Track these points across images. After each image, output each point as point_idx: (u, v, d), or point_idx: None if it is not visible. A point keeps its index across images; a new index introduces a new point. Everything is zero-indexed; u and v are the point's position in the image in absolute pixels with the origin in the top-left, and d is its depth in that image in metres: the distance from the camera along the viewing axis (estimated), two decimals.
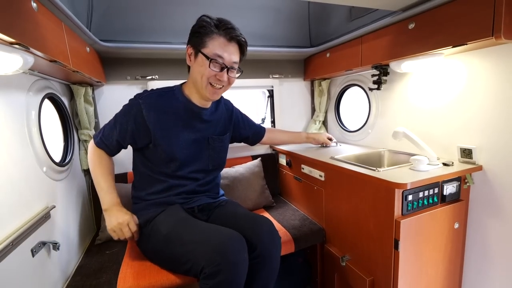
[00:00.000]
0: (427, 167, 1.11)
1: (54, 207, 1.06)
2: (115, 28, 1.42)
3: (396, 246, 1.03)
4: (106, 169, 1.13)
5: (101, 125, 1.57)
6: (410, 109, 1.44)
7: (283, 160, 1.86)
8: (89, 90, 1.45)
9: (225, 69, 1.04)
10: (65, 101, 1.36)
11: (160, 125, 1.09)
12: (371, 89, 1.58)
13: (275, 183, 1.93)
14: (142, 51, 1.48)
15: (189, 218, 1.09)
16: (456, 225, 1.16)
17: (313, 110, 2.14)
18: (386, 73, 1.48)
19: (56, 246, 1.01)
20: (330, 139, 1.73)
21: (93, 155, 1.14)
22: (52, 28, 0.87)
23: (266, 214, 1.60)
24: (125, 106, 1.11)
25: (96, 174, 1.12)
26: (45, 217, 0.98)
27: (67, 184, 1.26)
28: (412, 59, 1.20)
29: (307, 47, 1.84)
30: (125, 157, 1.37)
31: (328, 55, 1.71)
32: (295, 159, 1.70)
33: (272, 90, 1.98)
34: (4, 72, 0.77)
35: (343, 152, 1.54)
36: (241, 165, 1.76)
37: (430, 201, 1.09)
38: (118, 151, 1.17)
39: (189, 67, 1.11)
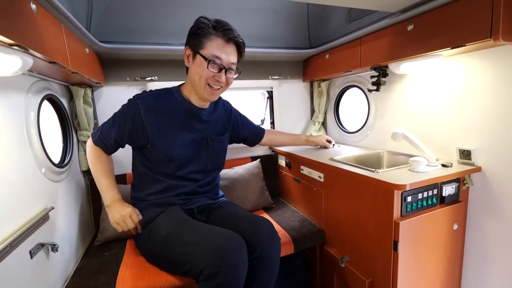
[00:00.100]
0: (426, 168, 1.11)
1: (53, 208, 1.06)
2: (114, 29, 1.42)
3: (396, 248, 1.03)
4: (105, 167, 1.16)
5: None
6: (409, 111, 1.44)
7: (282, 161, 1.86)
8: (88, 91, 1.45)
9: (223, 70, 1.05)
10: (64, 102, 1.36)
11: (157, 125, 1.09)
12: (370, 90, 1.58)
13: (275, 184, 1.93)
14: (141, 52, 1.48)
15: (188, 219, 1.09)
16: (455, 226, 1.16)
17: (312, 111, 2.14)
18: (385, 75, 1.48)
19: (54, 247, 1.01)
20: (329, 141, 1.73)
21: (91, 153, 1.16)
22: (51, 30, 0.87)
23: (266, 215, 1.60)
24: (123, 106, 1.12)
25: (97, 172, 1.15)
26: (43, 218, 0.98)
27: (66, 186, 1.26)
28: (411, 61, 1.20)
29: (306, 48, 1.84)
30: (124, 158, 1.37)
31: (327, 56, 1.71)
32: (294, 160, 1.70)
33: (272, 91, 1.98)
34: (3, 74, 0.77)
35: (342, 153, 1.54)
36: (240, 166, 1.75)
37: (429, 202, 1.09)
38: (116, 149, 1.19)
39: (187, 68, 1.11)
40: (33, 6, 0.75)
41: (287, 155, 1.76)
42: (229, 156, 1.82)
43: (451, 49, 1.02)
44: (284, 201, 1.84)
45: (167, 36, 1.52)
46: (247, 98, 2.17)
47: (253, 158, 1.86)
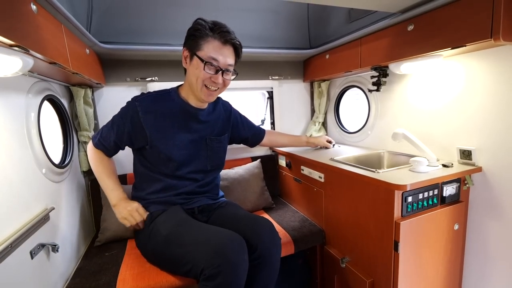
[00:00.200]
0: (427, 168, 1.11)
1: (54, 209, 1.06)
2: (114, 29, 1.43)
3: (396, 248, 1.03)
4: (108, 168, 1.19)
5: (101, 126, 1.57)
6: (410, 111, 1.44)
7: (282, 162, 1.86)
8: (89, 91, 1.45)
9: (220, 72, 1.05)
10: (65, 102, 1.36)
11: (156, 127, 1.11)
12: (370, 91, 1.58)
13: (275, 184, 1.93)
14: (141, 52, 1.49)
15: (189, 219, 1.09)
16: (456, 227, 1.16)
17: (313, 111, 2.14)
18: (385, 75, 1.48)
19: (55, 248, 1.01)
20: (330, 142, 1.73)
21: (93, 156, 1.18)
22: (52, 30, 0.87)
23: (266, 216, 1.60)
24: (122, 109, 1.13)
25: (100, 174, 1.17)
26: (44, 219, 0.98)
27: (66, 186, 1.26)
28: (411, 61, 1.20)
29: (306, 49, 1.84)
30: (125, 159, 1.37)
31: (327, 56, 1.71)
32: (294, 161, 1.70)
33: (272, 92, 1.98)
34: (4, 74, 0.77)
35: (342, 154, 1.54)
36: (240, 166, 1.75)
37: (430, 202, 1.09)
38: (116, 152, 1.20)
39: (185, 69, 1.12)
40: (34, 7, 0.75)
41: (288, 155, 1.76)
42: (229, 156, 1.82)
43: (451, 49, 1.01)
44: (285, 202, 1.84)
45: (167, 37, 1.52)
46: (247, 99, 2.17)
47: (254, 159, 1.86)
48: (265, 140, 1.55)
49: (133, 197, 1.24)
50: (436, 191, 1.10)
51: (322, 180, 1.42)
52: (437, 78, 1.28)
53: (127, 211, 1.12)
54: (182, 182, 1.19)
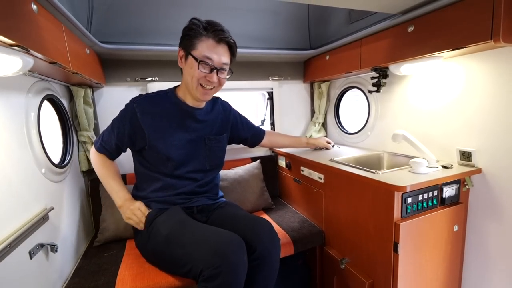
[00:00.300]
0: (427, 169, 1.11)
1: (53, 208, 1.05)
2: (115, 30, 1.42)
3: (396, 249, 1.03)
4: (111, 170, 1.20)
5: (101, 126, 1.57)
6: (410, 112, 1.44)
7: (282, 162, 1.86)
8: (89, 91, 1.45)
9: (215, 71, 1.06)
10: (65, 102, 1.36)
11: (154, 127, 1.11)
12: (370, 92, 1.58)
13: (275, 185, 1.93)
14: (141, 52, 1.49)
15: (189, 219, 1.09)
16: (456, 228, 1.16)
17: (313, 112, 2.14)
18: (385, 76, 1.48)
19: (54, 248, 1.01)
20: (329, 143, 1.73)
21: (96, 160, 1.20)
22: (52, 30, 0.87)
23: (266, 216, 1.60)
24: (121, 111, 1.14)
25: (104, 177, 1.19)
26: (43, 218, 0.97)
27: (66, 186, 1.26)
28: (411, 62, 1.20)
29: (306, 49, 1.84)
30: (124, 159, 1.37)
31: (327, 57, 1.72)
32: (294, 161, 1.70)
33: (272, 92, 1.98)
34: (4, 74, 0.77)
35: (342, 154, 1.54)
36: (240, 167, 1.75)
37: (430, 203, 1.09)
38: (118, 154, 1.22)
39: (181, 69, 1.12)
40: (34, 7, 0.75)
41: (287, 156, 1.76)
42: (229, 157, 1.83)
43: (451, 50, 1.01)
44: (284, 202, 1.84)
45: (167, 37, 1.52)
46: (247, 99, 2.17)
47: (253, 159, 1.86)
48: (265, 140, 1.55)
49: (134, 196, 1.24)
50: (435, 193, 1.10)
51: (322, 181, 1.42)
52: (437, 80, 1.29)
53: (130, 211, 1.13)
54: (181, 181, 1.19)
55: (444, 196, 1.11)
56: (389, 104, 1.57)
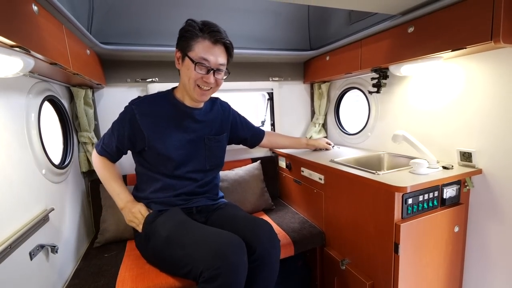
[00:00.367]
0: (427, 170, 1.11)
1: (53, 209, 1.05)
2: (115, 30, 1.43)
3: (396, 250, 1.03)
4: (113, 173, 1.21)
5: (101, 127, 1.57)
6: (410, 113, 1.44)
7: (282, 163, 1.86)
8: (89, 92, 1.45)
9: (212, 72, 1.06)
10: (65, 103, 1.36)
11: (153, 128, 1.12)
12: (370, 92, 1.58)
13: (275, 185, 1.93)
14: (142, 53, 1.49)
15: (189, 220, 1.09)
16: (456, 229, 1.16)
17: (313, 113, 2.14)
18: (385, 76, 1.48)
19: (54, 249, 1.01)
20: (329, 144, 1.73)
21: (98, 163, 1.21)
22: (53, 31, 0.87)
23: (266, 217, 1.60)
24: (120, 114, 1.15)
25: (106, 179, 1.20)
26: (43, 219, 0.97)
27: (66, 187, 1.26)
28: (412, 63, 1.20)
29: (306, 50, 1.84)
30: (125, 160, 1.37)
31: (327, 58, 1.72)
32: (294, 162, 1.70)
33: (272, 93, 1.98)
34: (5, 75, 0.77)
35: (342, 155, 1.54)
36: (240, 167, 1.75)
37: (430, 204, 1.09)
38: (119, 157, 1.23)
39: (179, 70, 1.13)
40: (35, 8, 0.75)
41: (288, 156, 1.76)
42: (229, 157, 1.83)
43: (451, 51, 1.01)
44: (285, 203, 1.84)
45: (168, 38, 1.52)
46: (247, 100, 2.18)
47: (254, 160, 1.86)
48: (265, 141, 1.55)
49: (134, 197, 1.24)
50: (436, 193, 1.10)
51: (322, 181, 1.42)
52: (437, 80, 1.29)
53: (131, 214, 1.13)
54: (181, 182, 1.19)
55: (444, 197, 1.11)
56: (389, 104, 1.57)
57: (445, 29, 1.00)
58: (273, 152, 1.99)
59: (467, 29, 0.94)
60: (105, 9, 1.37)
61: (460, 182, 1.15)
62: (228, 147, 1.38)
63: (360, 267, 1.23)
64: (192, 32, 1.02)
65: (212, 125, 1.26)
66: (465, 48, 0.97)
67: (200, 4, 1.54)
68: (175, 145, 1.15)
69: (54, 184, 1.13)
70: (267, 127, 2.07)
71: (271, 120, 2.05)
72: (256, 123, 1.63)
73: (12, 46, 0.66)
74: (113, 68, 1.56)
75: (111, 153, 1.19)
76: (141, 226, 1.12)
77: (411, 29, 1.13)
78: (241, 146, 1.54)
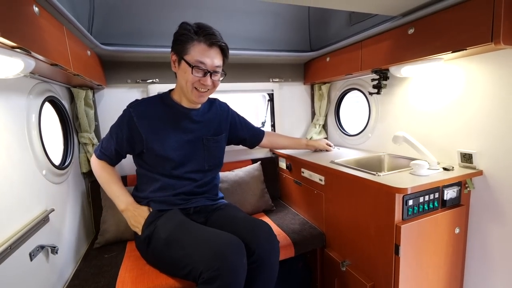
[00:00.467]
0: (428, 171, 1.11)
1: (53, 210, 1.05)
2: (116, 31, 1.43)
3: (397, 251, 1.03)
4: (112, 175, 1.22)
5: (101, 128, 1.57)
6: (410, 114, 1.44)
7: (283, 164, 1.85)
8: (90, 93, 1.45)
9: (208, 74, 1.07)
10: (66, 104, 1.36)
11: (151, 130, 1.13)
12: (371, 93, 1.58)
13: (275, 187, 1.93)
14: (142, 54, 1.49)
15: (188, 221, 1.09)
16: (457, 230, 1.15)
17: (313, 114, 2.14)
18: (386, 78, 1.48)
19: (54, 249, 1.01)
20: (329, 145, 1.73)
21: (97, 167, 1.22)
22: (54, 32, 0.87)
23: (266, 218, 1.60)
24: (118, 117, 1.16)
25: (106, 182, 1.20)
26: (44, 220, 0.97)
27: (66, 187, 1.26)
28: (412, 64, 1.20)
29: (307, 51, 1.85)
30: (125, 161, 1.37)
31: (328, 59, 1.72)
32: (295, 163, 1.70)
33: (272, 94, 1.98)
34: (5, 76, 0.77)
35: (343, 156, 1.54)
36: (240, 168, 1.75)
37: (431, 206, 1.09)
38: (118, 160, 1.24)
39: (175, 73, 1.14)
40: (36, 9, 0.75)
41: (288, 157, 1.76)
42: (229, 158, 1.83)
43: (452, 52, 1.01)
44: (285, 204, 1.84)
45: (168, 39, 1.49)
46: (248, 101, 2.18)
47: (254, 161, 1.86)
48: (265, 141, 1.56)
49: (134, 197, 1.25)
50: (437, 195, 1.10)
51: (323, 182, 1.42)
52: (438, 82, 1.29)
53: (133, 218, 1.14)
54: (180, 182, 1.19)
55: (445, 198, 1.11)
56: (390, 106, 1.57)
57: (446, 31, 1.00)
58: (273, 153, 1.99)
59: (467, 30, 0.94)
60: (105, 10, 1.37)
61: (460, 184, 1.15)
62: (228, 148, 1.38)
63: (360, 269, 1.22)
64: (187, 36, 1.03)
65: (210, 125, 1.26)
66: (466, 49, 0.97)
67: (200, 5, 1.54)
68: (173, 146, 1.16)
69: (54, 184, 1.14)
70: (267, 128, 2.07)
71: (271, 121, 2.05)
72: (256, 124, 1.63)
73: (13, 47, 0.66)
74: (114, 69, 1.56)
75: (110, 157, 1.19)
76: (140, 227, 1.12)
77: (411, 31, 1.13)
78: (241, 147, 1.54)
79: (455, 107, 1.22)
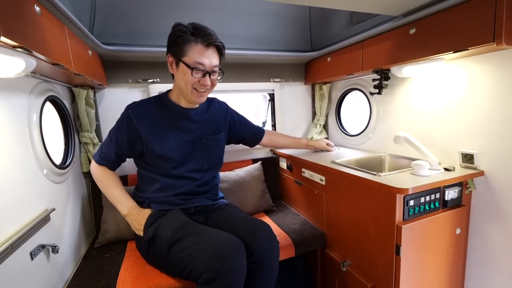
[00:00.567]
0: (429, 172, 1.11)
1: (54, 209, 1.05)
2: (117, 31, 1.43)
3: (398, 252, 1.02)
4: (114, 181, 1.22)
5: (102, 127, 1.57)
6: (411, 114, 1.44)
7: (283, 164, 1.85)
8: (91, 93, 1.45)
9: (207, 74, 1.07)
10: (67, 103, 1.37)
11: (150, 130, 1.13)
12: (372, 94, 1.58)
13: (276, 186, 1.93)
14: (143, 54, 1.49)
15: (189, 222, 1.09)
16: (458, 231, 1.15)
17: (314, 114, 2.14)
18: (387, 78, 1.48)
19: (55, 249, 1.01)
20: (329, 145, 1.72)
21: (97, 172, 1.22)
22: (55, 32, 0.87)
23: (267, 218, 1.60)
24: (117, 120, 1.17)
25: (107, 187, 1.20)
26: (44, 219, 0.97)
27: (67, 187, 1.26)
28: (413, 64, 1.20)
29: (308, 51, 1.84)
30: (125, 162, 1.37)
31: (329, 59, 1.72)
32: (295, 163, 1.70)
33: (273, 94, 1.98)
34: (7, 75, 0.77)
35: (344, 156, 1.54)
36: (241, 168, 1.75)
37: (432, 206, 1.09)
38: (119, 164, 1.24)
39: (172, 74, 1.14)
40: (37, 9, 0.76)
41: (289, 157, 1.76)
42: (230, 158, 1.83)
43: (453, 53, 1.01)
44: (285, 204, 1.84)
45: None
46: (248, 101, 2.18)
47: (254, 161, 1.86)
48: (265, 140, 1.56)
49: (135, 197, 1.25)
50: (438, 195, 1.09)
51: (323, 182, 1.42)
52: (439, 82, 1.28)
53: (137, 222, 1.13)
54: (180, 181, 1.20)
55: (446, 198, 1.11)
56: (391, 106, 1.56)
57: (447, 31, 1.00)
58: (274, 153, 1.99)
59: (469, 30, 0.94)
60: (106, 10, 1.37)
61: (462, 184, 1.15)
62: (229, 148, 1.38)
63: (361, 269, 1.22)
64: (184, 38, 1.03)
65: (209, 124, 1.26)
66: (467, 49, 0.97)
67: (202, 5, 1.54)
68: (173, 146, 1.16)
69: (55, 184, 1.14)
70: (268, 128, 2.07)
71: (272, 121, 2.04)
72: (257, 124, 1.63)
73: (14, 47, 0.66)
74: (115, 68, 1.56)
75: (110, 161, 1.20)
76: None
77: (413, 31, 1.13)
78: (242, 146, 1.54)
79: (456, 107, 1.22)
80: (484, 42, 0.90)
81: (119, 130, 1.14)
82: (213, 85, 1.13)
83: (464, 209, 1.16)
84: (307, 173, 1.56)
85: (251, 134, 1.50)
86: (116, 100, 1.58)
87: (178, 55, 1.05)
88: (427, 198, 1.07)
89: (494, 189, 1.11)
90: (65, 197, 1.23)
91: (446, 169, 1.15)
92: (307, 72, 2.02)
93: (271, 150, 2.00)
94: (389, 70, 1.40)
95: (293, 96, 2.07)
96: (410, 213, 1.03)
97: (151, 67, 1.62)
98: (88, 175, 1.51)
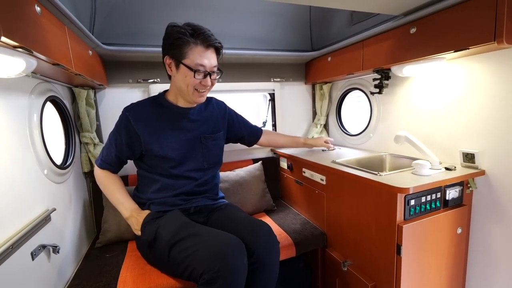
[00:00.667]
0: (430, 171, 1.11)
1: (55, 210, 1.05)
2: (117, 31, 1.43)
3: (399, 251, 1.02)
4: (116, 184, 1.22)
5: (103, 127, 1.58)
6: (412, 113, 1.44)
7: (284, 164, 1.85)
8: (91, 93, 1.45)
9: (208, 75, 1.08)
10: (67, 103, 1.37)
11: (148, 131, 1.14)
12: (372, 93, 1.58)
13: (276, 186, 1.93)
14: (144, 54, 1.49)
15: (189, 222, 1.09)
16: (459, 230, 1.15)
17: (314, 113, 2.14)
18: (387, 77, 1.48)
19: (56, 249, 1.01)
20: (327, 142, 1.69)
21: (100, 177, 1.23)
22: (55, 32, 0.87)
23: (267, 218, 1.60)
24: (116, 123, 1.17)
25: (110, 191, 1.21)
26: (45, 220, 0.97)
27: (68, 187, 1.26)
28: (414, 64, 1.20)
29: (308, 51, 1.84)
30: None
31: (329, 59, 1.71)
32: (296, 163, 1.70)
33: (274, 94, 1.98)
34: (7, 75, 0.77)
35: (344, 156, 1.54)
36: (241, 168, 1.75)
37: (433, 206, 1.08)
38: (120, 166, 1.25)
39: (169, 75, 1.14)
40: (38, 9, 0.76)
41: (289, 157, 1.75)
42: (230, 158, 1.83)
43: (454, 52, 1.01)
44: (286, 204, 1.84)
45: None
46: (249, 101, 2.18)
47: (255, 161, 1.86)
48: (263, 139, 1.56)
49: (135, 197, 1.25)
50: (439, 195, 1.09)
51: (324, 182, 1.42)
52: (440, 81, 1.28)
53: (136, 222, 1.14)
54: (179, 181, 1.20)
55: (447, 198, 1.10)
56: (391, 105, 1.56)
57: (448, 30, 1.00)
58: (274, 153, 1.99)
59: (470, 29, 0.93)
60: (107, 10, 1.37)
61: (463, 184, 1.14)
62: (230, 148, 1.38)
63: (362, 269, 1.22)
64: (183, 40, 1.02)
65: (207, 123, 1.27)
66: (468, 49, 0.96)
67: (202, 5, 1.54)
68: (172, 146, 1.16)
69: (56, 184, 1.14)
70: (268, 128, 2.07)
71: (272, 121, 2.04)
72: (257, 124, 1.63)
73: (15, 47, 0.66)
74: (115, 68, 1.56)
75: (112, 164, 1.20)
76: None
77: (413, 30, 1.13)
78: (242, 146, 1.54)
79: (457, 107, 1.22)
80: (485, 41, 0.90)
81: (118, 132, 1.15)
82: (212, 84, 1.13)
83: (465, 208, 1.16)
84: (307, 173, 1.56)
85: (249, 134, 1.50)
86: (116, 100, 1.58)
87: (178, 58, 1.05)
88: (428, 197, 1.07)
89: (495, 189, 1.11)
90: (66, 197, 1.23)
91: (447, 169, 1.15)
92: (308, 72, 2.02)
93: (272, 150, 2.00)
94: (389, 69, 1.40)
95: (294, 96, 2.07)
96: (411, 213, 1.03)
97: (151, 67, 1.62)
98: (88, 175, 1.52)
